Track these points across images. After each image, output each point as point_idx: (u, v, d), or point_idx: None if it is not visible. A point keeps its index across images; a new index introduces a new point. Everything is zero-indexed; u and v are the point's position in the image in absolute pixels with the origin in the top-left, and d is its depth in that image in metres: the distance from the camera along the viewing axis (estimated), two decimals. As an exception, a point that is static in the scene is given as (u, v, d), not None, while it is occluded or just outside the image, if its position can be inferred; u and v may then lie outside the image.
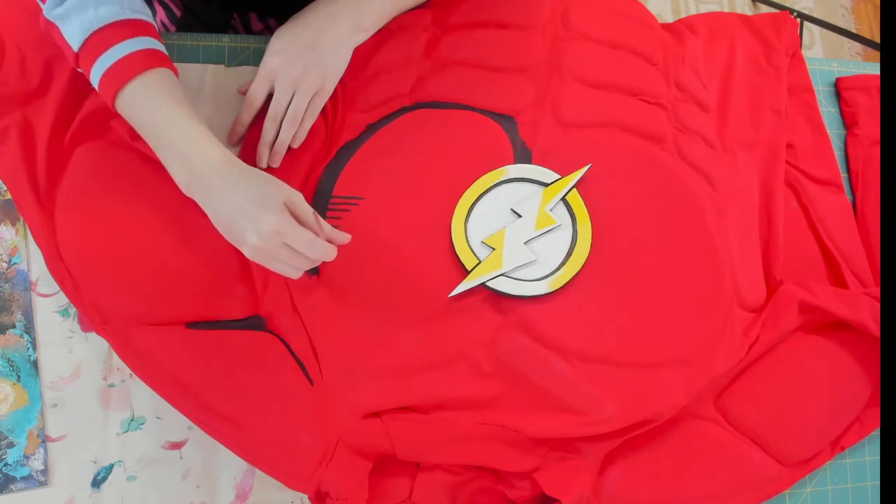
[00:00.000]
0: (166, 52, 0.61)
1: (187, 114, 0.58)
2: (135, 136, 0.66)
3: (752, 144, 0.78)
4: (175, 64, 0.70)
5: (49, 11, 0.58)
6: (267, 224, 0.55)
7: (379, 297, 0.65)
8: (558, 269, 0.66)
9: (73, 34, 0.57)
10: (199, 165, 0.57)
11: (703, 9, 1.79)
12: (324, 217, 0.66)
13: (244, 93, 0.68)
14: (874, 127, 0.83)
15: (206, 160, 0.57)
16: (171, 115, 0.58)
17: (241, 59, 0.73)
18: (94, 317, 0.62)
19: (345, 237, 0.61)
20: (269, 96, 0.67)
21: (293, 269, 0.58)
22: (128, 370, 0.64)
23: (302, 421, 0.62)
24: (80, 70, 0.59)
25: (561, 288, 0.66)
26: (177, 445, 0.65)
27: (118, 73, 0.57)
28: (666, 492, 0.67)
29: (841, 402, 0.72)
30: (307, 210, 0.58)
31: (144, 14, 0.60)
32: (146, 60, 0.58)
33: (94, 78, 0.58)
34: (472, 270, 0.65)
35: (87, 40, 0.57)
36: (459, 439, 0.63)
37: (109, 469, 0.64)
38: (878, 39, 1.63)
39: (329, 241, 0.59)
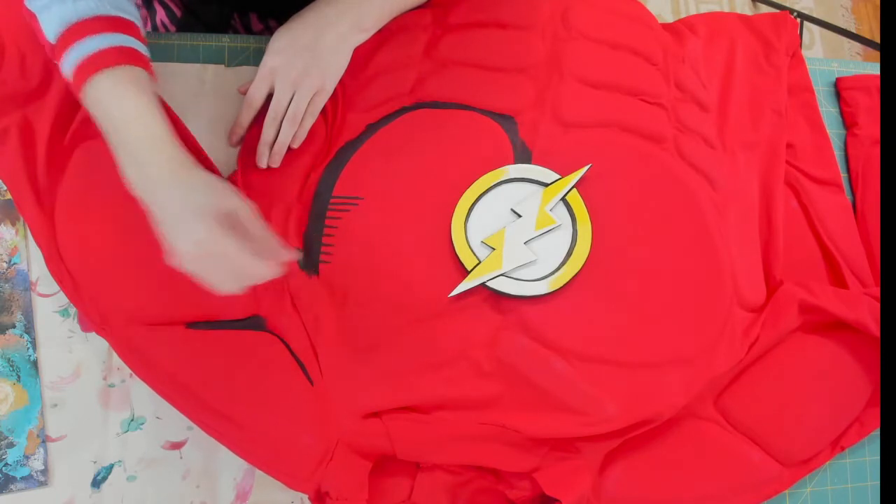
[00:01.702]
0: (146, 54, 0.59)
1: (149, 113, 0.56)
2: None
3: (752, 144, 0.78)
4: (175, 64, 0.71)
5: (30, 2, 0.57)
6: (196, 233, 0.53)
7: (379, 297, 0.65)
8: (558, 269, 0.66)
9: (51, 26, 0.56)
10: (147, 166, 0.55)
11: (703, 9, 1.79)
12: (324, 217, 0.67)
13: (244, 93, 0.68)
14: (874, 127, 0.83)
15: (155, 161, 0.55)
16: (132, 113, 0.56)
17: (241, 59, 0.73)
18: (94, 317, 0.62)
19: (288, 254, 0.57)
20: (270, 96, 0.67)
21: (224, 284, 0.55)
22: (128, 370, 0.64)
23: (302, 421, 0.62)
24: (56, 62, 0.58)
25: (561, 288, 0.66)
26: (177, 445, 0.65)
27: (88, 64, 0.56)
28: (666, 492, 0.67)
29: (841, 402, 0.72)
30: (254, 223, 0.56)
31: (128, 13, 0.59)
32: (119, 56, 0.57)
33: (66, 69, 0.57)
34: (472, 270, 0.65)
35: (63, 33, 0.56)
36: (459, 439, 0.63)
37: (109, 469, 0.64)
38: (878, 39, 1.63)
39: (274, 256, 0.56)
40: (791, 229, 0.77)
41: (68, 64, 0.57)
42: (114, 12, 0.58)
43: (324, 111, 0.69)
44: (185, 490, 0.64)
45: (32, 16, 0.58)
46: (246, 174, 0.68)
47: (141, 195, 0.56)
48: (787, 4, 1.77)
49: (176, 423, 0.64)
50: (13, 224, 0.66)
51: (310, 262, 0.66)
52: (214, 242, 0.53)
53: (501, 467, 0.64)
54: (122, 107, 0.56)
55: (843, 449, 0.73)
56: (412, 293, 0.65)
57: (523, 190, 0.68)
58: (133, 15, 0.60)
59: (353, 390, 0.63)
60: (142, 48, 0.60)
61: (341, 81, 0.68)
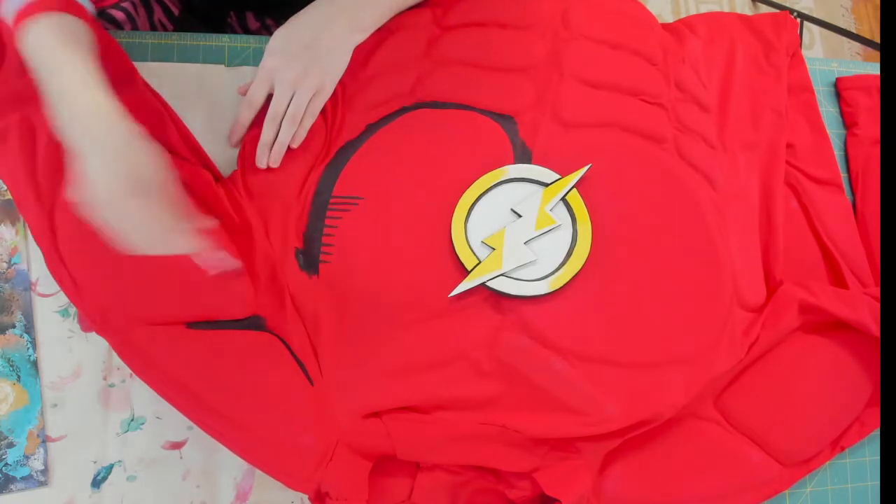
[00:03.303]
0: (91, 9, 0.59)
1: (84, 60, 0.56)
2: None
3: (753, 144, 0.78)
4: (175, 64, 0.71)
5: None
6: (125, 175, 0.52)
7: (379, 297, 0.65)
8: (558, 269, 0.66)
9: None
10: (78, 107, 0.54)
11: (703, 9, 1.79)
12: (324, 217, 0.67)
13: (244, 93, 0.68)
14: (874, 127, 0.83)
15: (86, 103, 0.54)
16: (66, 59, 0.55)
17: (241, 59, 0.73)
18: (94, 317, 0.62)
19: (211, 223, 0.59)
20: (270, 96, 0.67)
21: (139, 240, 0.55)
22: (128, 370, 0.64)
23: (302, 421, 0.62)
24: None
25: (561, 288, 0.66)
26: (177, 445, 0.65)
27: (27, 9, 0.55)
28: (666, 492, 0.67)
29: (841, 402, 0.72)
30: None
31: None
32: (61, 4, 0.56)
33: (7, 13, 0.56)
34: (472, 270, 0.65)
35: None
36: (459, 439, 0.63)
37: (109, 469, 0.64)
38: (878, 39, 1.63)
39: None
40: (791, 229, 0.77)
41: (10, 8, 0.56)
42: None
43: (324, 111, 0.69)
44: (185, 490, 0.64)
45: None
46: (246, 174, 0.68)
47: (66, 136, 0.55)
48: (787, 4, 1.77)
49: (176, 423, 0.64)
50: (13, 224, 0.66)
51: (310, 262, 0.66)
52: (143, 190, 0.53)
53: (501, 467, 0.64)
54: (56, 55, 0.56)
55: (843, 449, 0.73)
56: (412, 293, 0.65)
57: (523, 190, 0.68)
58: None
59: (353, 390, 0.63)
60: (90, 6, 0.59)
61: (341, 81, 0.68)
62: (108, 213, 0.54)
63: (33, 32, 0.56)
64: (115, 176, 0.53)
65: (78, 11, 0.58)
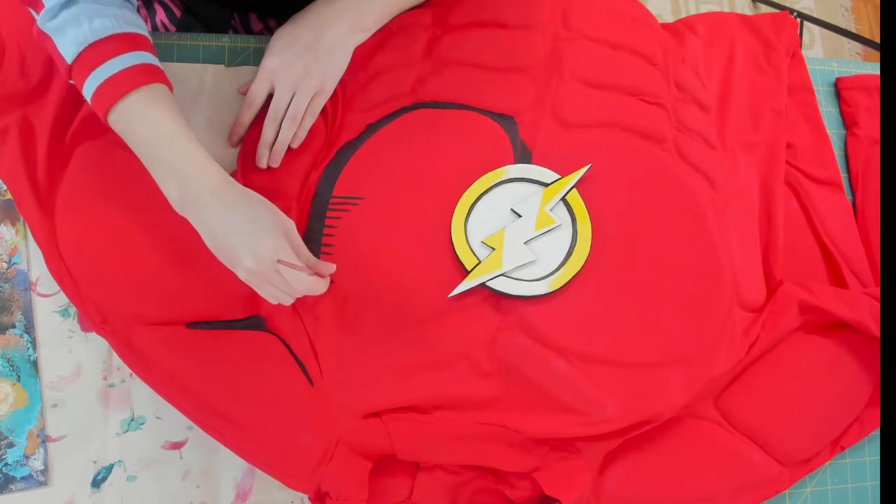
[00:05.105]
0: (160, 67, 0.60)
1: (184, 133, 0.58)
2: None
3: (752, 144, 0.78)
4: (175, 64, 0.71)
5: (43, 23, 0.57)
6: (264, 248, 0.56)
7: (379, 297, 0.65)
8: (558, 269, 0.66)
9: (67, 47, 0.56)
10: (195, 185, 0.56)
11: (703, 9, 1.78)
12: (324, 217, 0.67)
13: (244, 93, 0.68)
14: (874, 127, 0.83)
15: (203, 180, 0.57)
16: (166, 133, 0.57)
17: (241, 59, 0.73)
18: (94, 317, 0.62)
19: (330, 267, 0.62)
20: (270, 97, 0.67)
21: (285, 296, 0.59)
22: (128, 370, 0.64)
23: (302, 421, 0.62)
24: (72, 82, 0.58)
25: (561, 288, 0.66)
26: (177, 445, 0.65)
27: (112, 88, 0.56)
28: (666, 492, 0.67)
29: (841, 402, 0.72)
30: (299, 241, 0.59)
31: (139, 27, 0.59)
32: (140, 76, 0.57)
33: (87, 92, 0.57)
34: (472, 270, 0.65)
35: (81, 53, 0.56)
36: (459, 439, 0.63)
37: (109, 469, 0.64)
38: (878, 39, 1.63)
39: (316, 273, 0.60)
40: (791, 229, 0.77)
41: (90, 86, 0.57)
42: (128, 29, 0.58)
43: (324, 111, 0.69)
44: (185, 490, 0.64)
45: (45, 36, 0.57)
46: (246, 174, 0.68)
47: (188, 214, 0.58)
48: (787, 4, 1.77)
49: (176, 423, 0.64)
50: (13, 224, 0.66)
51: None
52: (284, 257, 0.56)
53: (501, 467, 0.64)
54: (155, 128, 0.57)
55: (843, 449, 0.73)
56: (412, 293, 0.65)
57: (523, 190, 0.68)
58: (142, 28, 0.60)
59: (353, 390, 0.63)
60: (157, 62, 0.60)
61: (341, 81, 0.68)
62: (256, 280, 0.58)
63: (124, 110, 0.57)
64: (260, 251, 0.56)
65: (157, 76, 0.59)
